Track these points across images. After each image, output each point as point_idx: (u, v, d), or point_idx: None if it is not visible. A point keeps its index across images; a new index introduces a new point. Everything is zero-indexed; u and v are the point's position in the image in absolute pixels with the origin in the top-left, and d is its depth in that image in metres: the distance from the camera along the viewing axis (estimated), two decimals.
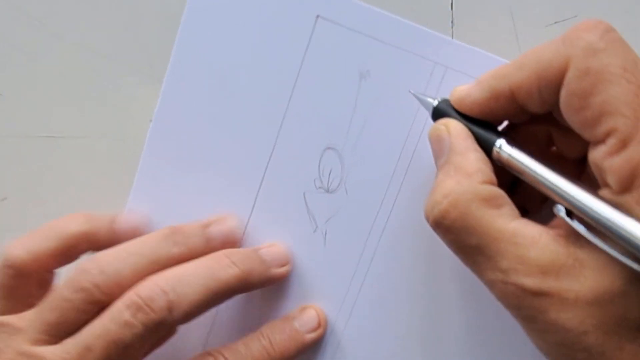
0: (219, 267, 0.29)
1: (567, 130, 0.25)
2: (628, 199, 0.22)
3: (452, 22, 0.32)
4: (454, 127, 0.27)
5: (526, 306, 0.23)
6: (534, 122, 0.26)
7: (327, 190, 0.32)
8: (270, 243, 0.33)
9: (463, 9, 0.32)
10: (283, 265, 0.32)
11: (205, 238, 0.30)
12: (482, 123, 0.26)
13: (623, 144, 0.22)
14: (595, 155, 0.23)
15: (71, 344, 0.27)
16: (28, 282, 0.29)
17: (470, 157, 0.25)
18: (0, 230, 0.36)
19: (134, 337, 0.26)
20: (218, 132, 0.33)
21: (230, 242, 0.32)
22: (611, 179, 0.22)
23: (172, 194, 0.33)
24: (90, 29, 0.34)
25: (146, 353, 0.29)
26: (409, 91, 0.30)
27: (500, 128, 0.28)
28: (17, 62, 0.34)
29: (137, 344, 0.27)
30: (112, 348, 0.26)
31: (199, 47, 0.32)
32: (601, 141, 0.23)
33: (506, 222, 0.24)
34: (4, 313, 0.29)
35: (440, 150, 0.27)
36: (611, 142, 0.22)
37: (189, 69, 0.33)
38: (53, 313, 0.27)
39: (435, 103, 0.28)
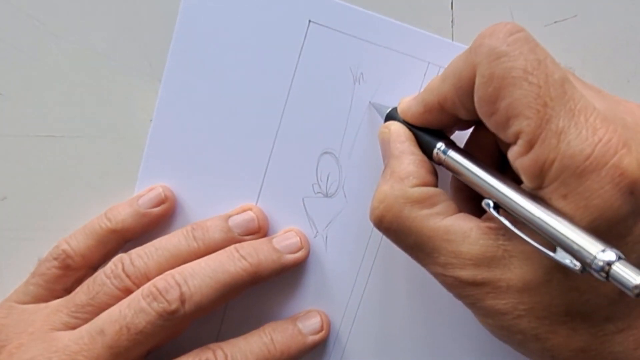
0: (228, 261, 0.30)
1: None
2: (542, 195, 0.23)
3: (452, 22, 0.32)
4: (395, 130, 0.28)
5: (466, 294, 0.25)
6: (483, 129, 0.26)
7: (326, 195, 0.32)
8: (286, 229, 0.33)
9: (463, 9, 0.32)
10: (298, 251, 0.32)
11: (225, 230, 0.32)
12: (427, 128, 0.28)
13: (530, 145, 0.23)
14: (510, 156, 0.24)
15: (85, 330, 0.29)
16: (70, 276, 0.32)
17: (405, 160, 0.27)
18: (0, 230, 0.36)
19: (146, 325, 0.28)
20: (215, 138, 0.33)
21: (252, 230, 0.32)
22: (524, 178, 0.24)
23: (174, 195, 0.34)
24: (89, 29, 0.34)
25: (156, 346, 0.30)
26: (369, 102, 0.32)
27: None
28: (17, 62, 0.34)
29: (148, 331, 0.29)
30: (124, 333, 0.28)
31: (195, 50, 0.32)
32: (513, 143, 0.24)
33: (439, 220, 0.25)
34: (37, 301, 0.32)
35: (384, 152, 0.29)
36: (520, 143, 0.23)
37: (186, 72, 0.33)
38: (85, 295, 0.30)
39: (388, 111, 0.30)
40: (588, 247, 0.21)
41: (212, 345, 0.30)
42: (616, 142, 0.22)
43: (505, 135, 0.24)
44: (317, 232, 0.33)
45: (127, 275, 0.30)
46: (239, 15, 0.32)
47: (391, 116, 0.29)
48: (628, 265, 0.21)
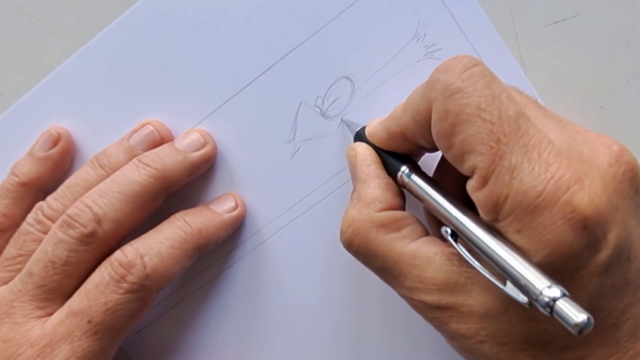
0: (133, 172, 0.30)
1: None
2: (498, 227, 0.24)
3: None
4: (361, 153, 0.29)
5: (432, 317, 0.26)
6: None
7: (323, 115, 0.32)
8: (187, 131, 0.33)
9: None
10: (202, 147, 0.32)
11: (128, 150, 0.32)
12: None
13: (484, 180, 0.23)
14: (467, 188, 0.24)
15: (17, 278, 0.30)
16: (3, 239, 0.32)
17: (371, 185, 0.27)
18: None
19: (70, 254, 0.29)
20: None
21: (154, 143, 0.32)
22: (480, 211, 0.24)
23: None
24: (90, 29, 0.34)
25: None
26: (341, 119, 0.32)
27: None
28: (17, 62, 0.35)
29: (73, 259, 0.29)
30: (50, 268, 0.29)
31: None
32: (470, 177, 0.24)
33: (405, 245, 0.26)
34: None
35: (352, 174, 0.29)
36: (475, 178, 0.24)
37: None
38: (13, 247, 0.31)
39: (357, 130, 0.30)
40: (535, 282, 0.22)
41: (122, 247, 0.30)
42: (569, 178, 0.22)
43: (462, 169, 0.24)
44: (293, 138, 0.32)
45: (48, 218, 0.30)
46: None
47: (360, 135, 0.30)
48: (571, 302, 0.21)
